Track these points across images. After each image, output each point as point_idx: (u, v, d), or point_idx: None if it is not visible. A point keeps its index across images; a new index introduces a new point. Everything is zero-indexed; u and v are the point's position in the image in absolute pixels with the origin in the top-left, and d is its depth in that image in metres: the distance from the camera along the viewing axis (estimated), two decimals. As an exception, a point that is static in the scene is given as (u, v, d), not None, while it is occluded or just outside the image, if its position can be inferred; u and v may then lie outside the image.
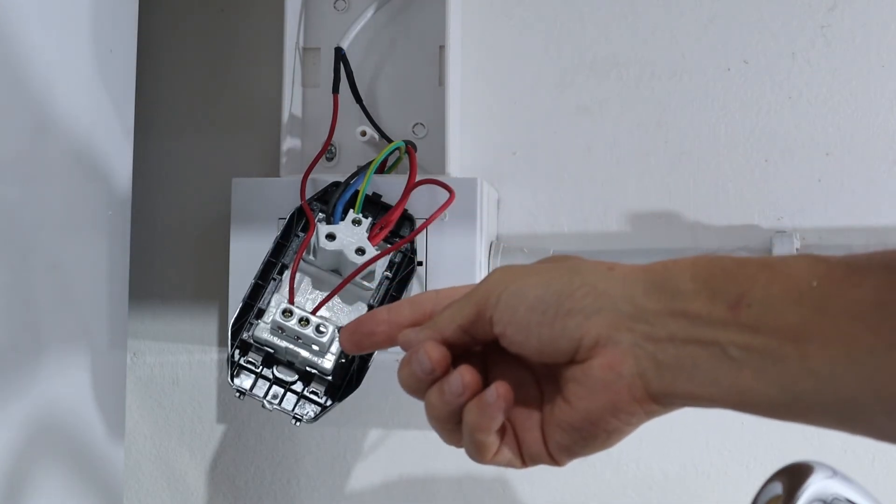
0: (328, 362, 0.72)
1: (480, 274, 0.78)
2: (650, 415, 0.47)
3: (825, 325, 0.42)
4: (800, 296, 0.42)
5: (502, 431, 0.50)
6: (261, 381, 0.73)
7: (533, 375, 0.51)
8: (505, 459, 0.51)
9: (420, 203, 0.76)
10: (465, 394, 0.49)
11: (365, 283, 0.73)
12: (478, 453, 0.50)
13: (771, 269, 0.44)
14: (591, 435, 0.48)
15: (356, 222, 0.74)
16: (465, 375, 0.49)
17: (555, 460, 0.50)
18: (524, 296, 0.48)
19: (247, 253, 0.78)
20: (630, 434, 0.48)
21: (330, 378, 0.72)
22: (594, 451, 0.49)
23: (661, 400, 0.46)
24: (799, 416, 0.44)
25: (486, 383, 0.49)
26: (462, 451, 0.84)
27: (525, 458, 0.51)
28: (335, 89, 0.80)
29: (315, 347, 0.71)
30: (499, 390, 0.48)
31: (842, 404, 0.43)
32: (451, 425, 0.50)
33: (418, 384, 0.51)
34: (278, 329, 0.71)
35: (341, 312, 0.74)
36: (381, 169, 0.77)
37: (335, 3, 0.86)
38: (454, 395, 0.49)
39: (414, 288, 0.77)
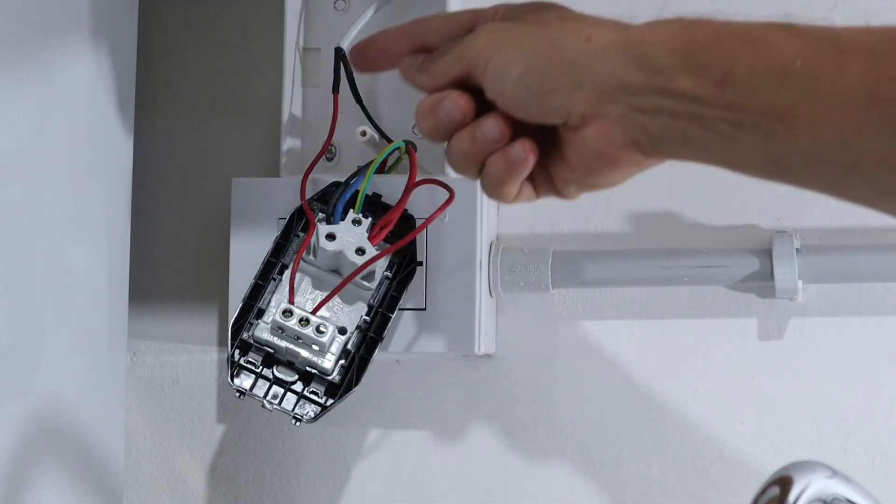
0: (328, 362, 0.72)
1: (480, 274, 0.78)
2: (647, 167, 0.49)
3: (813, 108, 0.42)
4: (784, 75, 0.42)
5: None
6: (261, 381, 0.73)
7: (531, 125, 0.52)
8: (523, 198, 0.54)
9: (420, 203, 0.76)
10: (503, 141, 0.51)
11: (365, 283, 0.73)
12: (499, 198, 0.53)
13: (752, 45, 0.44)
14: (593, 184, 0.51)
15: (356, 222, 0.74)
16: (501, 124, 0.51)
17: (565, 196, 0.53)
18: (508, 73, 0.49)
19: (247, 253, 0.78)
20: (629, 178, 0.51)
21: (330, 378, 0.72)
22: (600, 189, 0.52)
23: (656, 159, 0.48)
24: (787, 182, 0.46)
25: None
26: (462, 450, 0.85)
27: (539, 194, 0.54)
28: (335, 89, 0.80)
29: (315, 347, 0.71)
30: (525, 148, 0.50)
31: (828, 178, 0.44)
32: (475, 166, 0.52)
33: (444, 131, 0.52)
34: (278, 329, 0.71)
35: (341, 312, 0.74)
36: (381, 169, 0.77)
37: (335, 3, 0.86)
38: (489, 142, 0.51)
39: (414, 288, 0.77)
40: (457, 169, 0.54)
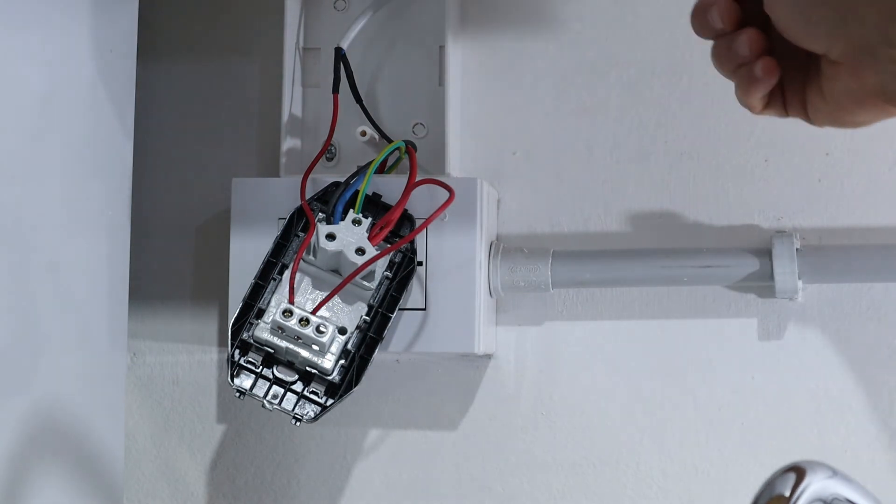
0: (328, 362, 0.72)
1: (480, 274, 0.78)
2: (893, 115, 0.52)
3: None
4: None
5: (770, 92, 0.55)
6: (261, 381, 0.73)
7: (804, 52, 0.54)
8: (771, 112, 0.56)
9: (420, 203, 0.76)
10: (751, 58, 0.54)
11: (365, 282, 0.73)
12: (745, 107, 0.56)
13: None
14: (840, 119, 0.53)
15: (356, 222, 0.74)
16: (753, 42, 0.53)
17: (812, 121, 0.55)
18: None
19: (247, 253, 0.78)
20: (876, 122, 0.53)
21: (330, 378, 0.72)
22: (846, 127, 0.54)
23: None
24: None
25: (767, 43, 0.54)
26: (461, 452, 0.85)
27: (789, 112, 0.56)
28: (335, 89, 0.80)
29: (315, 347, 0.71)
30: (764, 67, 0.53)
31: None
32: (727, 71, 0.55)
33: (708, 33, 0.55)
34: (278, 329, 0.71)
35: (341, 312, 0.74)
36: (381, 169, 0.77)
37: (335, 3, 0.86)
38: (740, 55, 0.54)
39: (414, 288, 0.77)
40: (716, 66, 0.57)
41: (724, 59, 0.55)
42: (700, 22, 0.56)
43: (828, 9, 0.50)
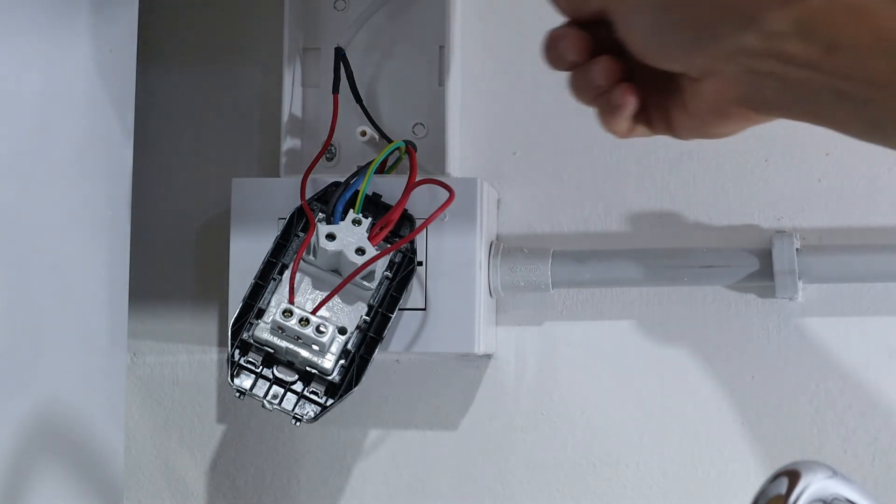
0: (328, 362, 0.72)
1: (480, 274, 0.78)
2: (757, 123, 0.52)
3: None
4: (885, 47, 0.46)
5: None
6: (261, 381, 0.73)
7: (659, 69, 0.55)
8: (636, 134, 0.57)
9: (420, 203, 0.76)
10: (608, 85, 0.55)
11: (365, 282, 0.73)
12: (611, 133, 0.57)
13: (858, 14, 0.46)
14: (706, 132, 0.54)
15: (356, 222, 0.74)
16: (609, 70, 0.54)
17: (678, 137, 0.56)
18: (637, 21, 0.52)
19: (247, 253, 0.78)
20: (740, 131, 0.54)
21: (330, 378, 0.72)
22: (712, 138, 0.55)
23: (766, 116, 0.51)
24: (888, 145, 0.50)
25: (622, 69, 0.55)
26: (461, 452, 0.85)
27: (655, 131, 0.57)
28: (335, 89, 0.80)
29: (315, 347, 0.71)
30: (624, 93, 0.54)
31: None
32: (587, 100, 0.56)
33: (561, 65, 0.56)
34: (278, 329, 0.71)
35: (341, 312, 0.74)
36: (381, 169, 0.77)
37: (335, 3, 0.86)
38: (596, 85, 0.55)
39: (414, 288, 0.77)
40: (575, 97, 0.57)
41: (582, 90, 0.56)
42: (552, 56, 0.57)
43: (681, 30, 0.50)
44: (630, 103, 0.55)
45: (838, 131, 0.50)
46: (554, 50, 0.56)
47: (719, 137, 0.55)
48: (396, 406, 0.86)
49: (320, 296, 0.74)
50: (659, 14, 0.51)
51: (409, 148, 0.78)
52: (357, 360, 0.73)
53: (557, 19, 0.88)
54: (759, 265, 0.78)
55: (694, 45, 0.50)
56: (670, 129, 0.56)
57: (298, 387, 0.73)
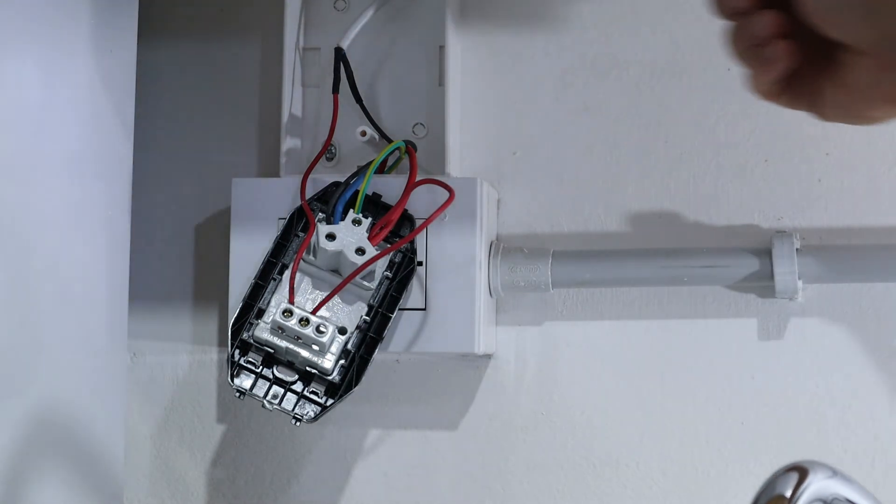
0: (328, 362, 0.72)
1: (480, 274, 0.78)
2: None
3: None
4: None
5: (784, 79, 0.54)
6: (261, 381, 0.73)
7: (823, 38, 0.52)
8: (777, 101, 0.54)
9: (420, 203, 0.76)
10: (768, 40, 0.52)
11: (365, 283, 0.73)
12: (753, 91, 0.54)
13: None
14: (858, 113, 0.52)
15: (356, 222, 0.74)
16: (774, 23, 0.52)
17: (823, 116, 0.54)
18: None
19: (247, 253, 0.78)
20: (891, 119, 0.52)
21: (330, 378, 0.72)
22: (861, 123, 0.53)
23: None
24: None
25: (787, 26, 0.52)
26: (461, 452, 0.85)
27: (796, 105, 0.54)
28: (335, 89, 0.80)
29: (315, 347, 0.71)
30: (780, 50, 0.52)
31: None
32: (740, 51, 0.53)
33: (728, 11, 0.53)
34: (278, 329, 0.71)
35: (341, 312, 0.74)
36: (381, 169, 0.77)
37: (335, 3, 0.86)
38: (755, 38, 0.52)
39: (414, 288, 0.77)
40: (727, 48, 0.55)
41: (740, 40, 0.54)
42: (720, 1, 0.54)
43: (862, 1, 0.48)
44: (784, 60, 0.52)
45: None
46: None
47: (867, 122, 0.53)
48: (396, 406, 0.86)
49: (320, 296, 0.74)
50: None
51: (409, 148, 0.78)
52: (357, 360, 0.73)
53: (557, 20, 0.88)
54: (759, 265, 0.78)
55: (871, 16, 0.48)
56: (816, 105, 0.54)
57: (298, 387, 0.73)
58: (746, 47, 0.53)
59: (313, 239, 0.73)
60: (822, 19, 0.50)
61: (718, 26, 0.82)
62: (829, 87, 0.53)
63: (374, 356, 0.73)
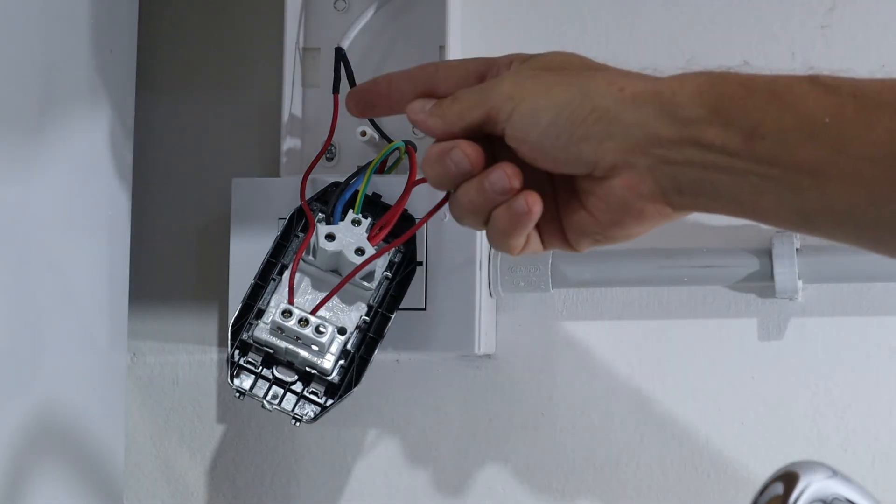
0: (328, 362, 0.72)
1: (480, 274, 0.78)
2: (672, 219, 0.50)
3: (842, 165, 0.42)
4: (812, 132, 0.42)
5: None
6: (260, 382, 0.73)
7: (547, 175, 0.51)
8: (530, 250, 0.52)
9: (420, 203, 0.76)
10: (511, 192, 0.50)
11: (364, 283, 0.73)
12: (505, 250, 0.52)
13: (780, 99, 0.44)
14: (612, 236, 0.50)
15: (356, 222, 0.74)
16: (510, 175, 0.50)
17: (574, 249, 0.52)
18: (536, 120, 0.48)
19: (247, 253, 0.78)
20: (650, 230, 0.50)
21: (329, 378, 0.72)
22: (616, 242, 0.51)
23: (682, 210, 0.48)
24: (817, 235, 0.45)
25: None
26: (461, 452, 0.85)
27: (546, 246, 0.53)
28: (335, 89, 0.80)
29: (315, 348, 0.71)
30: (529, 200, 0.49)
31: (858, 234, 0.44)
32: (481, 217, 0.51)
33: (450, 180, 0.51)
34: (278, 329, 0.71)
35: (341, 313, 0.74)
36: (381, 169, 0.77)
37: (335, 3, 0.86)
38: (497, 194, 0.50)
39: (413, 288, 0.77)
40: (461, 219, 0.53)
41: (478, 204, 0.51)
42: (439, 171, 0.51)
43: (592, 123, 0.47)
44: (537, 210, 0.50)
45: (762, 222, 0.46)
46: (441, 165, 0.51)
47: (627, 240, 0.51)
48: (396, 406, 0.86)
49: (320, 296, 0.74)
50: (561, 113, 0.47)
51: (409, 148, 0.77)
52: (357, 361, 0.73)
53: (556, 20, 0.88)
54: (759, 265, 0.78)
55: (605, 140, 0.47)
56: (565, 239, 0.52)
57: (298, 387, 0.73)
58: (489, 209, 0.51)
59: (313, 239, 0.73)
60: (555, 158, 0.48)
61: (719, 26, 0.82)
62: (576, 220, 0.51)
63: (373, 356, 0.73)
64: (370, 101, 0.59)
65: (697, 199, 0.47)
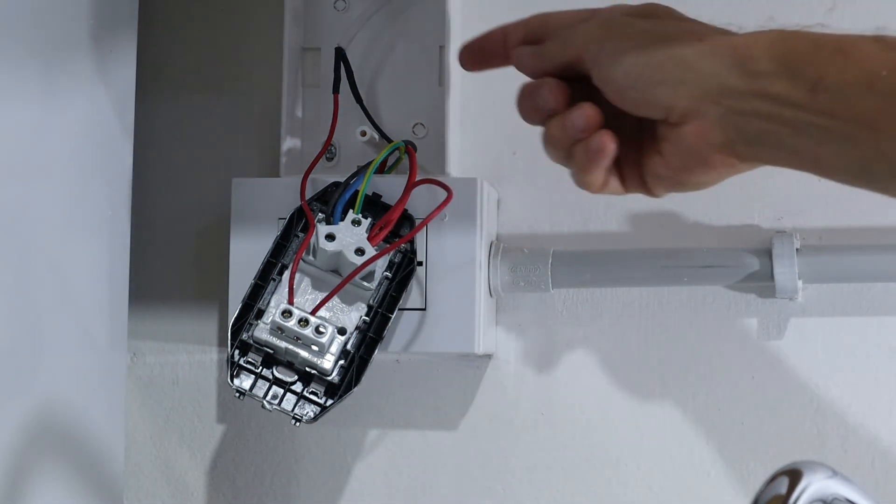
0: (328, 362, 0.72)
1: (480, 274, 0.78)
2: (739, 171, 0.52)
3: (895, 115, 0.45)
4: (870, 84, 0.45)
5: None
6: (260, 382, 0.73)
7: (636, 122, 0.54)
8: (610, 190, 0.56)
9: (420, 203, 0.76)
10: (589, 131, 0.53)
11: (364, 283, 0.73)
12: (585, 187, 0.56)
13: (844, 55, 0.46)
14: (684, 182, 0.53)
15: (356, 223, 0.74)
16: (590, 114, 0.53)
17: (652, 193, 0.55)
18: (619, 60, 0.51)
19: (247, 253, 0.78)
20: (720, 181, 0.53)
21: (329, 378, 0.72)
22: (689, 190, 0.54)
23: (747, 162, 0.51)
24: (874, 188, 0.48)
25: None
26: (461, 452, 0.85)
27: (627, 188, 0.56)
28: (335, 89, 0.80)
29: (314, 348, 0.71)
30: (605, 138, 0.53)
31: None
32: (563, 152, 0.55)
33: (538, 116, 0.55)
34: (278, 329, 0.71)
35: (341, 313, 0.74)
36: (381, 169, 0.77)
37: (335, 3, 0.86)
38: (577, 131, 0.53)
39: (413, 288, 0.77)
40: (549, 154, 0.56)
41: (559, 140, 0.55)
42: (529, 105, 0.55)
43: (670, 68, 0.50)
44: (611, 148, 0.53)
45: (823, 175, 0.49)
46: (531, 100, 0.55)
47: (696, 189, 0.54)
48: (396, 406, 0.86)
49: (320, 296, 0.74)
50: (641, 56, 0.50)
51: (409, 148, 0.78)
52: (357, 361, 0.73)
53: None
54: (759, 265, 0.78)
55: (678, 87, 0.49)
56: (644, 183, 0.55)
57: (298, 387, 0.73)
58: (570, 145, 0.54)
59: (313, 239, 0.73)
60: (633, 101, 0.51)
61: (719, 25, 0.81)
62: (652, 165, 0.54)
63: (373, 356, 0.73)
64: (486, 51, 0.62)
65: (762, 150, 0.49)
